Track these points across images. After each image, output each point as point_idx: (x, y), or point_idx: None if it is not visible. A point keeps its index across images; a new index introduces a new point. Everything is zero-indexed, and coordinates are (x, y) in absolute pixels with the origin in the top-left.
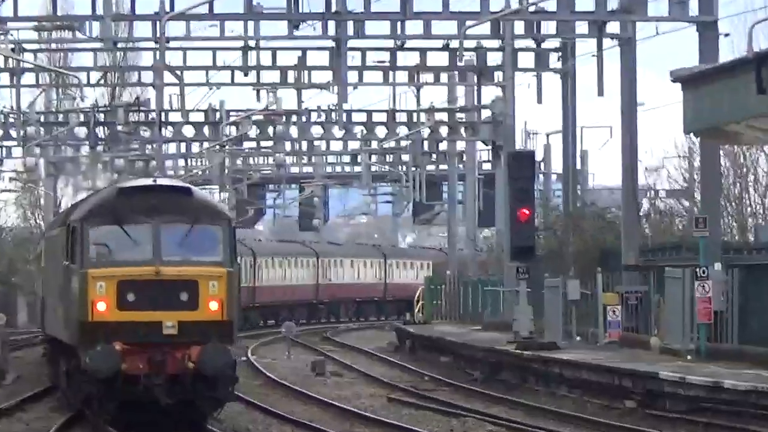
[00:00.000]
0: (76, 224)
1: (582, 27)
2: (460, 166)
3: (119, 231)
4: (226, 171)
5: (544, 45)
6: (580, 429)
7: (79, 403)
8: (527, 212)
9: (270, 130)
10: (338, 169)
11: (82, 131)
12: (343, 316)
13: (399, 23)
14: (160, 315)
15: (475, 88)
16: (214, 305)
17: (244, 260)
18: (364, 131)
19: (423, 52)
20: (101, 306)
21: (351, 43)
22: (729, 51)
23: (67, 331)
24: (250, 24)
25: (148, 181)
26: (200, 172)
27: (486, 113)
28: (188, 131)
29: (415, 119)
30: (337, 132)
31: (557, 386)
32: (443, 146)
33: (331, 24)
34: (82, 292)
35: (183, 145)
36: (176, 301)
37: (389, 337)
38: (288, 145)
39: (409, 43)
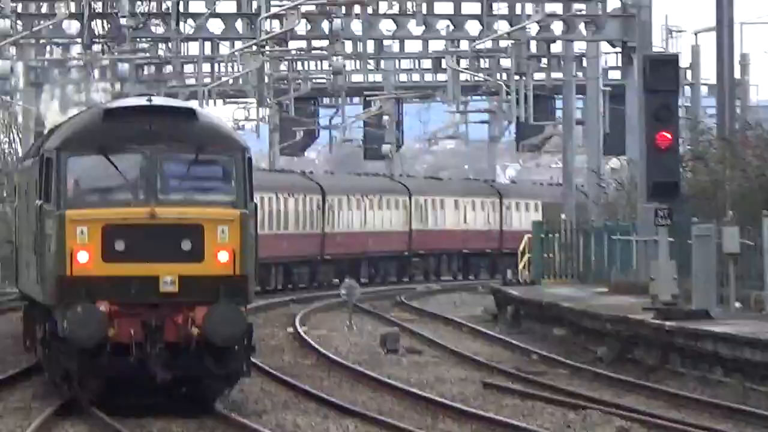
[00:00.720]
0: (51, 154)
1: None
2: (579, 74)
3: (105, 163)
4: (266, 80)
5: None
6: (741, 425)
7: (58, 380)
8: (669, 136)
9: (324, 25)
10: (416, 78)
11: (73, 26)
12: (446, 273)
13: None
14: (157, 268)
15: None
16: (223, 256)
17: (310, 199)
18: (451, 27)
19: None
20: (82, 257)
21: None
22: None
23: (41, 289)
24: None
25: (142, 101)
26: (231, 82)
27: (614, 4)
28: (215, 26)
29: (518, 11)
30: (415, 28)
31: (710, 369)
32: (556, 48)
33: None
34: (58, 239)
35: (208, 45)
36: (176, 251)
37: (484, 303)
38: (349, 46)
39: None
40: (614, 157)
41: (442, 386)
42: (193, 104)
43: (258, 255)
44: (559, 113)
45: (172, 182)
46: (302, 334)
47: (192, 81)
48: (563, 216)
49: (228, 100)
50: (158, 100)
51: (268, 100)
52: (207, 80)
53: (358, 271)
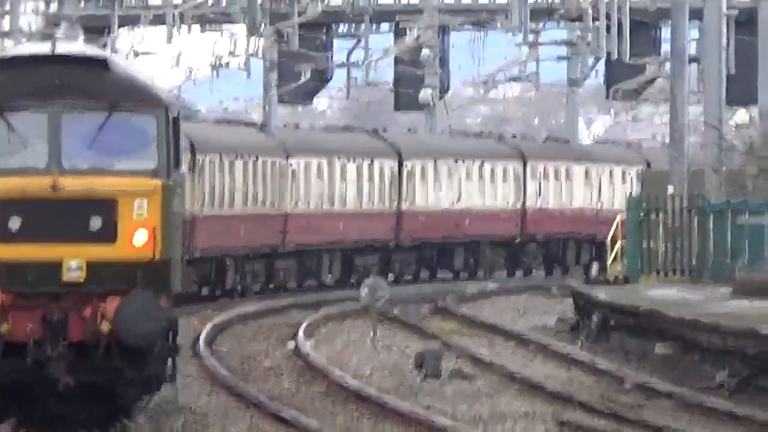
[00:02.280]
0: None
1: None
2: None
3: None
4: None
5: None
6: None
7: None
8: None
9: None
10: None
11: None
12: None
13: None
14: (60, 251)
15: None
16: (141, 237)
17: (382, 165)
18: None
19: None
20: None
21: None
22: None
23: None
24: None
25: (44, 48)
26: (211, 1)
27: None
28: None
29: None
30: None
31: None
32: None
33: None
34: None
35: None
36: (84, 231)
37: (560, 309)
38: None
39: None
40: (742, 108)
41: (500, 425)
42: (105, 53)
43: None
44: (665, 47)
45: (80, 146)
46: (307, 351)
47: (158, 1)
48: (670, 189)
49: (207, 26)
50: (63, 47)
51: (262, 26)
52: (177, 1)
53: (451, 260)
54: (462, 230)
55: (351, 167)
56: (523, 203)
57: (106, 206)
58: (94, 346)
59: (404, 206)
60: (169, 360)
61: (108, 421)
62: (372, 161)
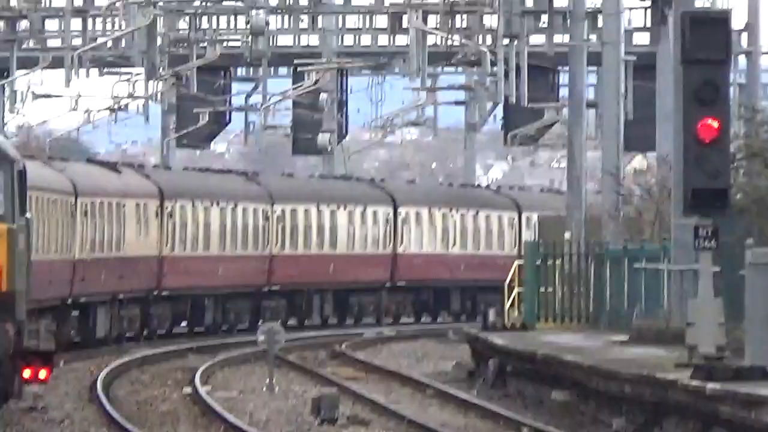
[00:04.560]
0: None
1: None
2: (593, 37)
3: None
4: (159, 42)
5: None
6: None
7: None
8: (716, 125)
9: None
10: (366, 41)
11: None
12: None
13: None
14: None
15: None
16: None
17: (377, 212)
18: None
19: None
20: None
21: None
22: None
23: None
24: None
25: None
26: (110, 44)
27: None
28: None
29: None
30: None
31: None
32: (561, 1)
33: None
34: None
35: None
36: None
37: (457, 355)
38: None
39: None
40: (639, 155)
41: None
42: None
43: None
44: (564, 92)
45: None
46: (204, 396)
47: (56, 42)
48: (567, 235)
49: (106, 69)
50: None
51: (161, 70)
52: (77, 41)
53: (447, 301)
54: (459, 273)
55: (343, 213)
56: (394, 247)
57: None
58: None
59: (401, 249)
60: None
61: None
62: (364, 207)
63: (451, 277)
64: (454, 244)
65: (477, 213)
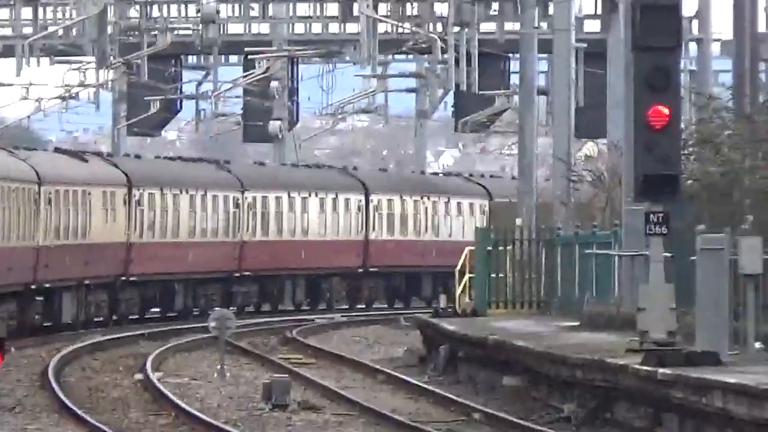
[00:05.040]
0: None
1: None
2: (543, 25)
3: None
4: (110, 31)
5: None
6: None
7: None
8: (666, 112)
9: None
10: (316, 29)
11: None
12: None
13: None
14: None
15: None
16: None
17: (349, 200)
18: None
19: None
20: None
21: None
22: None
23: None
24: None
25: None
26: (61, 33)
27: None
28: None
29: None
30: None
31: None
32: None
33: None
34: None
35: None
36: None
37: (407, 341)
38: None
39: None
40: (590, 141)
41: None
42: None
43: None
44: (514, 79)
45: None
46: (155, 382)
47: (7, 31)
48: (518, 221)
49: (57, 58)
50: None
51: (112, 58)
52: (28, 30)
53: (419, 287)
54: (417, 260)
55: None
56: (366, 234)
57: None
58: None
59: (373, 235)
60: None
61: None
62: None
63: (423, 263)
64: (426, 230)
65: (449, 200)
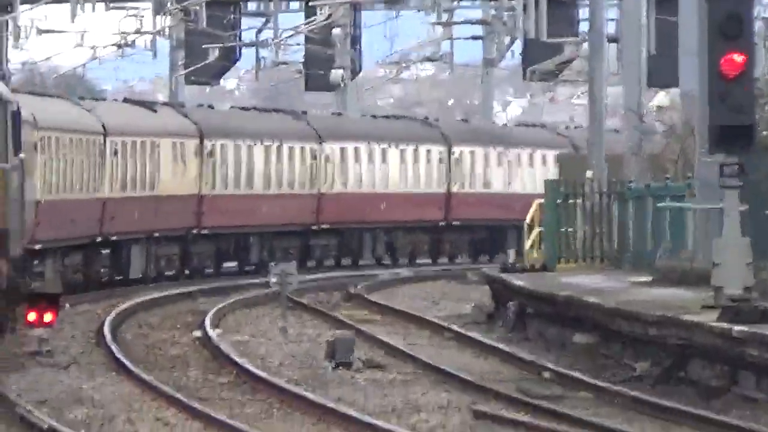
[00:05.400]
0: None
1: None
2: None
3: None
4: None
5: None
6: None
7: None
8: (741, 60)
9: None
10: None
11: None
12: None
13: None
14: None
15: None
16: None
17: (430, 151)
18: None
19: None
20: None
21: None
22: None
23: None
24: None
25: None
26: None
27: None
28: None
29: None
30: None
31: None
32: None
33: None
34: None
35: None
36: None
37: (476, 297)
38: None
39: None
40: (662, 90)
41: (414, 416)
42: None
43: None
44: (584, 26)
45: None
46: (214, 339)
47: None
48: (589, 174)
49: (112, 4)
50: None
51: (169, 4)
52: None
53: (504, 241)
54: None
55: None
56: (448, 188)
57: None
58: None
59: (455, 188)
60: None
61: None
62: (415, 147)
63: (506, 216)
64: (509, 183)
65: (533, 152)
